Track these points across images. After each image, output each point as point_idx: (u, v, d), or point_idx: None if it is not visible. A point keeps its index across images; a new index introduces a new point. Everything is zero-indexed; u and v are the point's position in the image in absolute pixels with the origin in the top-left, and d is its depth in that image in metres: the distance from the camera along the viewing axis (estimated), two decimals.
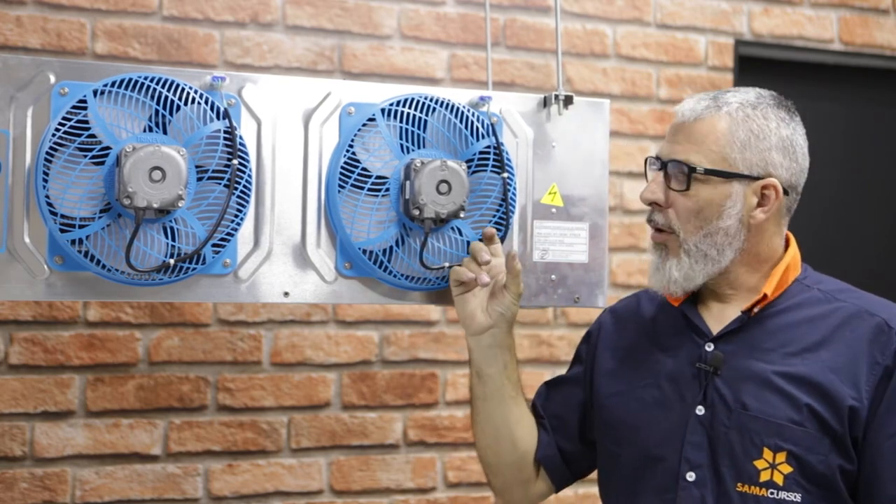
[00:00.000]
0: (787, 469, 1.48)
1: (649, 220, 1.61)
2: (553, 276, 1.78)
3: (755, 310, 1.57)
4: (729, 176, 1.54)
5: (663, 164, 1.58)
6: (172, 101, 1.55)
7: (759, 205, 1.55)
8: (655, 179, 1.58)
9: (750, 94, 1.58)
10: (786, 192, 1.57)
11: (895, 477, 1.48)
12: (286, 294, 1.65)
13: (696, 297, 1.63)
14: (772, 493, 1.49)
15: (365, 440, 2.52)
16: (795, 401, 1.49)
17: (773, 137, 1.55)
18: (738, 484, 1.50)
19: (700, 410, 1.55)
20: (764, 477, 1.49)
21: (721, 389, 1.54)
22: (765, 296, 1.56)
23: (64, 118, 1.50)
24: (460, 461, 2.58)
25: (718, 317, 1.60)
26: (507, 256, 1.65)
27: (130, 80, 1.53)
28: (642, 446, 1.59)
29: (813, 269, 1.65)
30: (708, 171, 1.54)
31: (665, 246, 1.59)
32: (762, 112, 1.56)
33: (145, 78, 1.54)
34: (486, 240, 1.67)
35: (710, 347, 1.57)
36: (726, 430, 1.52)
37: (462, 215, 1.65)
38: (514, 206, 1.72)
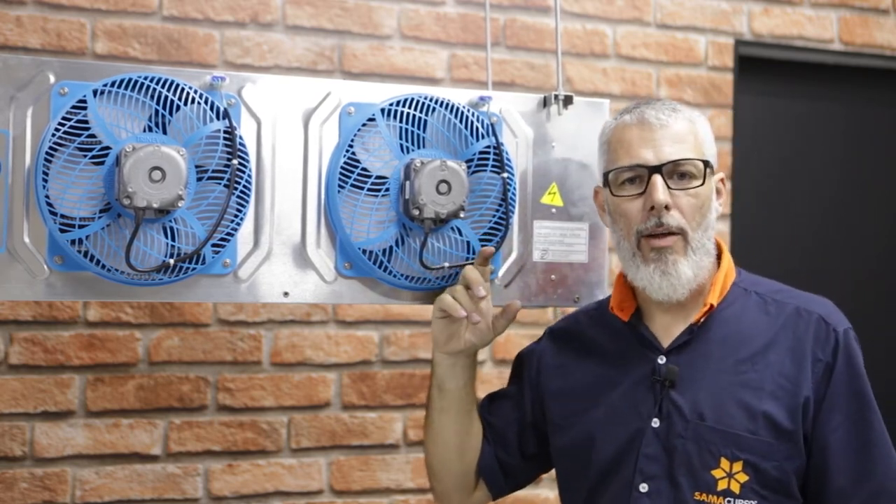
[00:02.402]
0: (743, 478, 1.51)
1: (657, 226, 1.55)
2: (553, 276, 1.78)
3: (701, 320, 1.59)
4: (713, 170, 1.60)
5: (656, 169, 1.55)
6: (172, 101, 1.55)
7: (717, 197, 1.63)
8: (658, 183, 1.55)
9: (672, 102, 1.66)
10: None
11: (841, 469, 1.52)
12: (286, 294, 1.65)
13: (640, 312, 1.64)
14: (728, 501, 1.51)
15: (365, 440, 2.52)
16: (751, 409, 1.52)
17: (711, 134, 1.64)
18: (696, 493, 1.52)
19: (655, 423, 1.56)
20: (721, 486, 1.52)
21: (677, 401, 1.55)
22: (711, 306, 1.58)
23: (64, 118, 1.50)
24: None
25: (665, 329, 1.61)
26: (509, 306, 1.67)
27: (130, 80, 1.53)
28: (598, 462, 1.61)
29: (745, 271, 1.67)
30: (708, 166, 1.59)
31: (672, 249, 1.56)
32: (695, 112, 1.64)
33: (145, 78, 1.54)
34: (482, 259, 1.64)
35: (662, 360, 1.59)
36: (683, 441, 1.54)
37: (462, 215, 1.65)
38: (513, 206, 1.72)
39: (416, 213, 1.63)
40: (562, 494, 1.73)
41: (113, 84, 1.53)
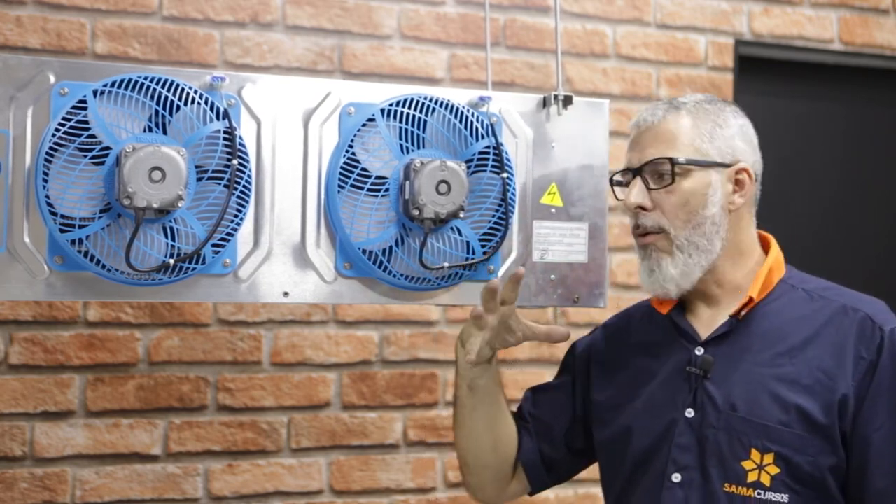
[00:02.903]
0: (774, 470, 1.50)
1: (636, 227, 1.63)
2: (553, 276, 1.78)
3: (742, 313, 1.59)
4: (706, 164, 1.59)
5: (637, 171, 1.61)
6: (172, 102, 1.55)
7: (735, 191, 1.61)
8: (635, 185, 1.61)
9: (697, 95, 1.67)
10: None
11: (883, 470, 1.50)
12: (286, 294, 1.65)
13: (684, 305, 1.65)
14: (758, 494, 1.50)
15: (365, 440, 2.52)
16: (784, 402, 1.52)
17: (734, 126, 1.63)
18: (726, 484, 1.52)
19: (689, 413, 1.57)
20: (751, 477, 1.51)
21: (711, 392, 1.56)
22: (751, 299, 1.59)
23: (64, 118, 1.50)
24: None
25: (707, 322, 1.63)
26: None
27: (130, 80, 1.53)
28: (633, 453, 1.62)
29: (797, 270, 1.67)
30: (689, 161, 1.58)
31: (655, 247, 1.61)
32: (716, 106, 1.64)
33: (145, 78, 1.54)
34: (513, 282, 1.63)
35: (699, 351, 1.59)
36: (715, 432, 1.54)
37: (462, 215, 1.65)
38: (513, 206, 1.72)
39: (416, 213, 1.63)
40: (603, 490, 1.73)
41: (113, 84, 1.53)
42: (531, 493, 1.80)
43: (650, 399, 1.62)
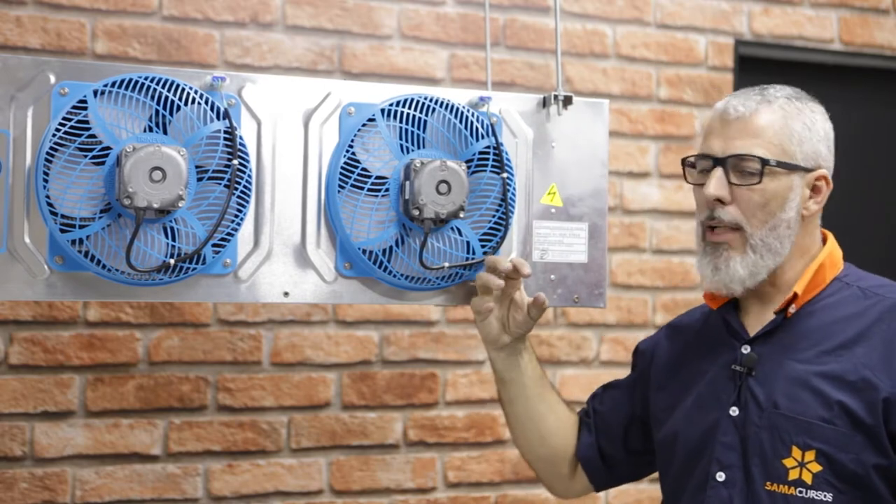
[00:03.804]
0: (816, 468, 1.47)
1: (710, 219, 1.57)
2: (553, 276, 1.78)
3: (791, 310, 1.56)
4: (792, 168, 1.55)
5: (719, 161, 1.56)
6: (173, 102, 1.55)
7: (811, 196, 1.58)
8: (716, 176, 1.55)
9: (788, 89, 1.61)
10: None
11: None
12: (286, 294, 1.65)
13: (736, 301, 1.63)
14: (800, 492, 1.48)
15: (365, 440, 2.52)
16: (826, 398, 1.48)
17: (820, 130, 1.59)
18: (767, 483, 1.50)
19: (734, 411, 1.55)
20: (793, 475, 1.48)
21: (754, 390, 1.54)
22: (795, 294, 1.55)
23: (64, 118, 1.50)
24: (460, 461, 2.58)
25: (757, 318, 1.60)
26: (536, 299, 1.66)
27: (130, 80, 1.53)
28: (682, 451, 1.61)
29: (857, 268, 1.64)
30: (779, 164, 1.54)
31: (728, 244, 1.57)
32: (808, 105, 1.59)
33: (145, 78, 1.54)
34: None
35: (745, 349, 1.57)
36: (757, 430, 1.52)
37: (462, 215, 1.65)
38: (513, 206, 1.72)
39: (416, 213, 1.63)
40: (662, 487, 1.71)
41: (113, 84, 1.53)
42: (596, 490, 1.81)
43: (699, 397, 1.61)
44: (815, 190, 1.58)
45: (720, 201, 1.56)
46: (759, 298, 1.61)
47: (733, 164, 1.55)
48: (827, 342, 1.53)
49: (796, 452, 1.49)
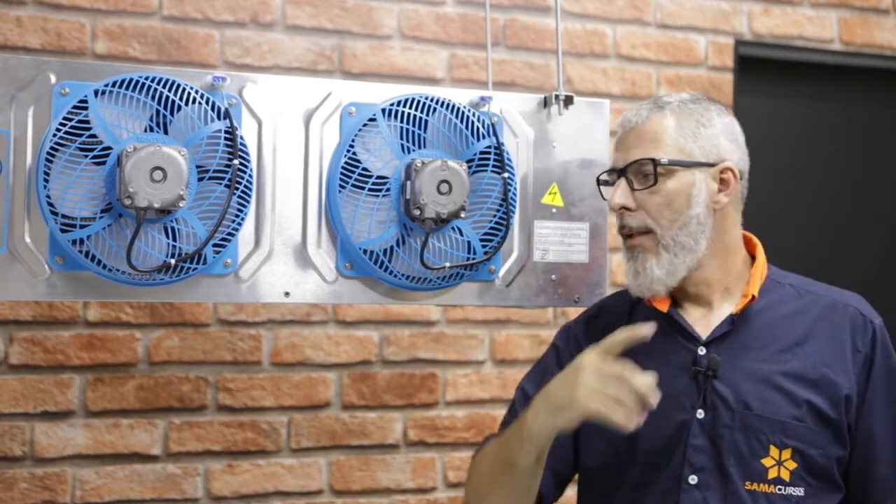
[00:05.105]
0: (792, 465, 1.53)
1: (622, 227, 1.62)
2: (553, 276, 1.78)
3: (736, 311, 1.59)
4: (689, 165, 1.58)
5: (621, 172, 1.61)
6: (173, 101, 1.54)
7: (720, 190, 1.60)
8: (619, 186, 1.60)
9: (683, 94, 1.65)
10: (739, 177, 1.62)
11: (885, 459, 1.56)
12: (287, 294, 1.65)
13: (675, 304, 1.64)
14: (780, 490, 1.53)
15: (365, 440, 2.52)
16: (794, 397, 1.54)
17: (718, 125, 1.61)
18: (747, 482, 1.53)
19: (700, 414, 1.56)
20: (772, 474, 1.53)
21: (721, 391, 1.55)
22: (753, 297, 1.59)
23: (65, 118, 1.50)
24: (460, 461, 2.58)
25: (700, 321, 1.62)
26: None
27: (131, 80, 1.53)
28: (643, 456, 1.59)
29: (774, 266, 1.68)
30: (672, 162, 1.57)
31: (642, 248, 1.60)
32: (701, 105, 1.62)
33: (146, 78, 1.54)
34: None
35: (702, 351, 1.58)
36: (731, 431, 1.54)
37: (463, 215, 1.65)
38: (514, 206, 1.72)
39: (417, 213, 1.63)
40: (586, 495, 1.67)
41: (114, 84, 1.52)
42: None
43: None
44: (723, 183, 1.60)
45: (626, 209, 1.60)
46: (695, 300, 1.63)
47: (633, 171, 1.59)
48: (780, 341, 1.58)
49: (774, 451, 1.53)
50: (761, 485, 1.53)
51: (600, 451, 1.66)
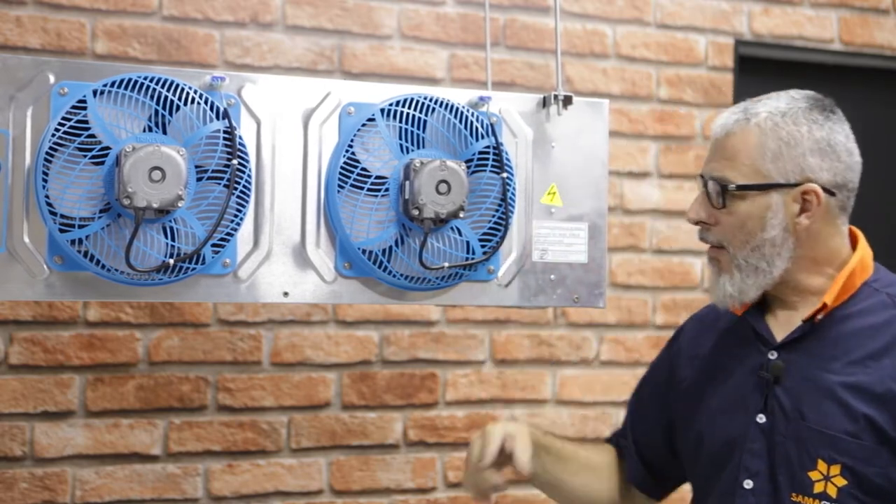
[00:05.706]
0: (841, 482, 1.46)
1: (701, 238, 1.61)
2: (552, 276, 1.78)
3: (818, 317, 1.54)
4: (764, 188, 1.52)
5: (703, 181, 1.58)
6: (172, 101, 1.55)
7: (802, 210, 1.52)
8: (698, 198, 1.58)
9: (781, 100, 1.56)
10: (832, 193, 1.53)
11: None
12: (286, 294, 1.65)
13: (763, 305, 1.61)
14: None
15: (365, 440, 2.52)
16: (853, 412, 1.46)
17: (806, 142, 1.52)
18: (793, 494, 1.49)
19: (761, 419, 1.54)
20: (818, 488, 1.47)
21: (781, 398, 1.52)
22: (825, 304, 1.53)
23: (64, 118, 1.50)
24: (460, 461, 2.58)
25: (785, 324, 1.58)
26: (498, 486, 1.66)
27: (130, 80, 1.53)
28: (708, 453, 1.60)
29: (887, 270, 1.61)
30: (741, 187, 1.53)
31: (718, 261, 1.58)
32: (792, 118, 1.53)
33: (145, 78, 1.54)
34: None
35: (772, 356, 1.55)
36: (784, 440, 1.51)
37: (462, 215, 1.65)
38: (513, 206, 1.72)
39: (416, 213, 1.63)
40: (691, 485, 1.71)
41: (113, 84, 1.52)
42: (658, 500, 1.80)
43: (723, 400, 1.60)
44: (805, 203, 1.53)
45: (703, 222, 1.58)
46: (783, 304, 1.59)
47: (710, 187, 1.56)
48: (855, 352, 1.50)
49: (822, 466, 1.47)
50: (806, 498, 1.47)
51: (682, 444, 1.70)
